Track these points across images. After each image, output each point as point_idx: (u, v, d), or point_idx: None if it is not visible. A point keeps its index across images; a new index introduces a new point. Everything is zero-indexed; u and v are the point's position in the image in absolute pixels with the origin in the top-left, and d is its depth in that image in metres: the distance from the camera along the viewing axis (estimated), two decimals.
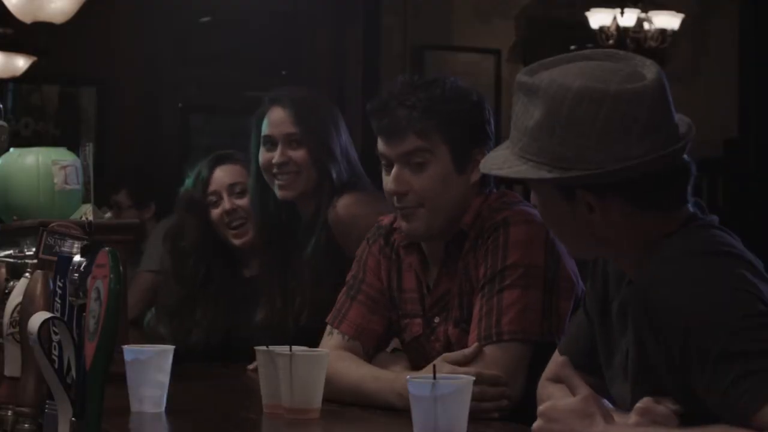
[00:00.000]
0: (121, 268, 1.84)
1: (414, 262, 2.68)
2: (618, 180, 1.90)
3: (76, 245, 2.14)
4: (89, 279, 1.90)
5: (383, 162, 2.62)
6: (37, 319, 1.97)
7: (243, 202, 3.53)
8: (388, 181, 2.60)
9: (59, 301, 2.06)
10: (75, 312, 1.99)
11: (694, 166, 1.98)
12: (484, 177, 2.62)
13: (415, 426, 1.98)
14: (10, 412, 2.30)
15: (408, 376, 2.08)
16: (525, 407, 2.49)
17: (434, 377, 1.96)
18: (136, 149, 8.92)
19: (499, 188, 2.72)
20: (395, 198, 2.58)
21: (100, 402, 1.83)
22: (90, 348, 1.83)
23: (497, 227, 2.53)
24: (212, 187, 3.57)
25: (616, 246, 1.98)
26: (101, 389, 1.83)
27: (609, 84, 1.90)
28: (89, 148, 3.17)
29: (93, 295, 1.85)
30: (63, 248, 2.17)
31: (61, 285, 2.05)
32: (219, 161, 3.62)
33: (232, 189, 3.55)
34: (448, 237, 2.61)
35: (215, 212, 3.55)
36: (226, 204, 3.53)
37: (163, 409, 2.45)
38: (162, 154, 8.90)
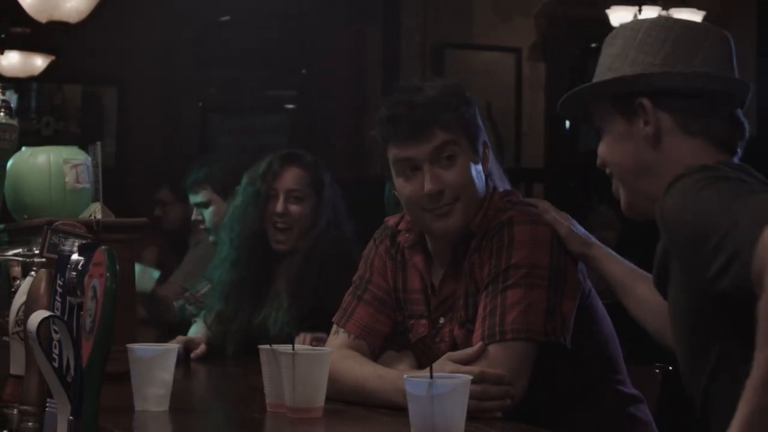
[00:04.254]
0: (117, 266, 1.84)
1: (418, 263, 2.67)
2: (675, 89, 2.15)
3: (78, 244, 2.14)
4: (86, 277, 1.90)
5: (405, 169, 2.59)
6: (36, 317, 1.97)
7: (295, 208, 3.64)
8: (412, 187, 2.58)
9: (59, 299, 2.06)
10: (75, 311, 1.99)
11: (748, 128, 2.19)
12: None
13: (412, 425, 1.98)
14: (15, 411, 2.31)
15: (405, 375, 2.07)
16: (529, 406, 2.50)
17: (431, 376, 1.95)
18: (156, 148, 8.96)
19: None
20: (428, 199, 2.56)
21: (96, 400, 1.83)
22: (86, 346, 1.83)
23: (502, 227, 2.53)
24: (276, 184, 3.66)
25: (657, 177, 2.11)
26: (98, 388, 1.83)
27: (679, 20, 2.22)
28: (98, 147, 3.18)
29: (90, 293, 1.86)
30: (66, 247, 2.17)
31: (61, 284, 2.05)
32: (291, 160, 3.71)
33: (290, 194, 3.66)
34: (460, 236, 2.61)
35: (269, 207, 3.64)
36: (280, 206, 3.62)
37: (167, 407, 2.44)
38: (182, 152, 8.93)
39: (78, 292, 1.94)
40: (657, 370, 3.00)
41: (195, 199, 4.52)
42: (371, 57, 9.55)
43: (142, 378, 2.44)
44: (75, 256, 2.00)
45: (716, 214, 1.84)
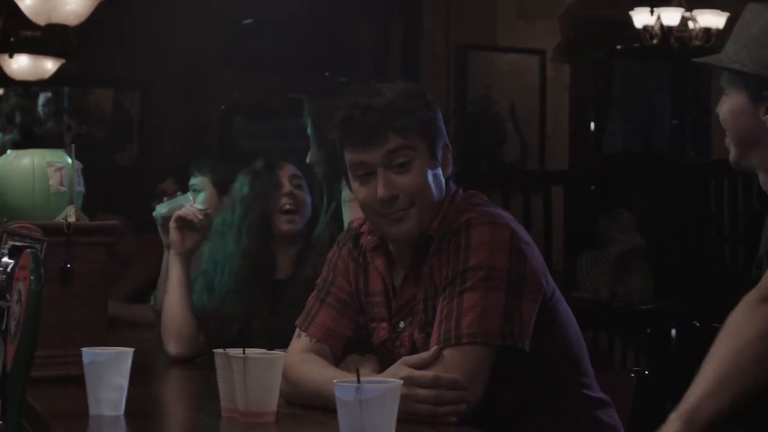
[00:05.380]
0: (42, 270, 1.82)
1: (380, 266, 2.64)
2: None
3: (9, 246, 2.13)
4: (14, 281, 1.89)
5: (359, 173, 2.56)
6: None
7: (299, 192, 3.63)
8: (366, 191, 2.55)
9: None
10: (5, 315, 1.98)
11: None
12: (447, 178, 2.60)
13: (341, 429, 1.95)
14: None
15: (335, 380, 2.04)
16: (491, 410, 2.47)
17: (358, 381, 1.92)
18: (179, 151, 8.96)
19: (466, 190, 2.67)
20: (381, 204, 2.53)
21: (20, 404, 1.82)
22: (10, 350, 1.82)
23: (459, 229, 2.49)
24: (280, 172, 3.66)
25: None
26: (21, 391, 1.82)
27: None
28: (72, 150, 3.18)
29: (15, 297, 1.84)
30: (3, 249, 2.15)
31: None
32: (284, 158, 3.74)
33: (293, 179, 3.65)
34: (417, 241, 2.57)
35: (276, 193, 3.63)
36: (287, 186, 3.61)
37: (122, 412, 2.43)
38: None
39: (6, 296, 1.92)
40: (632, 374, 2.96)
41: (193, 180, 4.53)
42: (394, 59, 9.53)
43: (96, 382, 2.42)
44: (5, 259, 1.99)
45: None
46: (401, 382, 2.03)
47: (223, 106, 9.58)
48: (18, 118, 8.92)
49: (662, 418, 3.48)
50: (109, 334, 4.24)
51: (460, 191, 2.64)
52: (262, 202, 3.61)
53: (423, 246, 2.56)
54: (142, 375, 3.21)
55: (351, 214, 3.09)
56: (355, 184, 2.57)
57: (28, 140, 8.13)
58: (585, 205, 8.96)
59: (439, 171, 2.58)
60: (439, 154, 2.58)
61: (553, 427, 2.58)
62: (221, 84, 9.49)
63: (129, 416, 2.43)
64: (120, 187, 7.84)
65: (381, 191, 2.51)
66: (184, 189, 5.68)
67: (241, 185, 3.71)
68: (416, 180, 2.52)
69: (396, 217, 2.53)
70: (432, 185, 2.55)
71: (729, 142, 2.49)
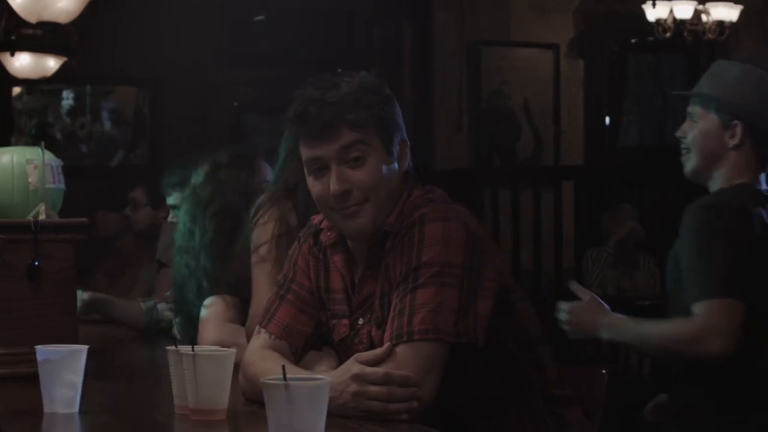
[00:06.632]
0: None
1: (339, 262, 2.62)
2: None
3: None
4: None
5: (313, 167, 2.53)
6: None
7: None
8: (321, 185, 2.51)
9: None
10: None
11: None
12: (406, 174, 2.57)
13: (270, 427, 1.93)
14: None
15: (263, 378, 2.02)
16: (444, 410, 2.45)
17: (284, 378, 1.90)
18: (191, 149, 8.94)
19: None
20: (335, 199, 2.50)
21: None
22: None
23: (413, 225, 2.45)
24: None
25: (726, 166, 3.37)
26: None
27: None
28: (42, 146, 3.18)
29: None
30: None
31: None
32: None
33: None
34: (373, 236, 2.55)
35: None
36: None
37: (76, 409, 2.42)
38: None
39: None
40: (604, 371, 2.93)
41: (169, 200, 4.51)
42: (406, 55, 9.50)
43: (50, 379, 2.42)
44: None
45: None
46: (329, 379, 2.01)
47: (234, 103, 9.59)
48: (34, 117, 8.96)
49: (638, 416, 3.47)
50: (109, 331, 4.29)
51: (419, 186, 2.61)
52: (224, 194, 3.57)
53: (379, 242, 2.54)
54: (121, 372, 3.23)
55: None
56: (310, 179, 2.54)
57: (43, 139, 8.16)
58: (597, 200, 8.90)
59: (395, 166, 2.54)
60: (396, 149, 2.54)
61: (515, 426, 2.55)
62: (232, 81, 9.50)
63: (83, 414, 2.42)
64: (131, 186, 7.87)
65: (333, 186, 2.48)
66: (154, 199, 5.71)
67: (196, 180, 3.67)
68: (370, 175, 2.49)
69: (350, 212, 2.50)
70: (387, 180, 2.51)
71: (692, 157, 3.40)
